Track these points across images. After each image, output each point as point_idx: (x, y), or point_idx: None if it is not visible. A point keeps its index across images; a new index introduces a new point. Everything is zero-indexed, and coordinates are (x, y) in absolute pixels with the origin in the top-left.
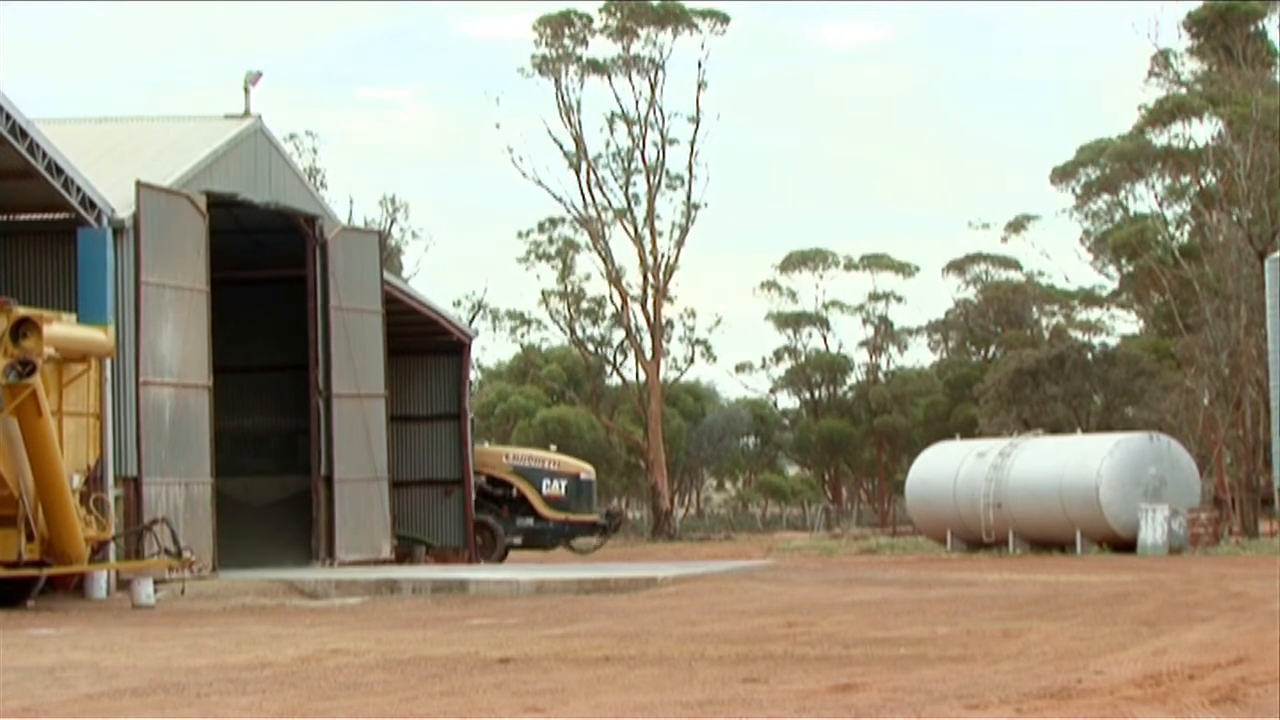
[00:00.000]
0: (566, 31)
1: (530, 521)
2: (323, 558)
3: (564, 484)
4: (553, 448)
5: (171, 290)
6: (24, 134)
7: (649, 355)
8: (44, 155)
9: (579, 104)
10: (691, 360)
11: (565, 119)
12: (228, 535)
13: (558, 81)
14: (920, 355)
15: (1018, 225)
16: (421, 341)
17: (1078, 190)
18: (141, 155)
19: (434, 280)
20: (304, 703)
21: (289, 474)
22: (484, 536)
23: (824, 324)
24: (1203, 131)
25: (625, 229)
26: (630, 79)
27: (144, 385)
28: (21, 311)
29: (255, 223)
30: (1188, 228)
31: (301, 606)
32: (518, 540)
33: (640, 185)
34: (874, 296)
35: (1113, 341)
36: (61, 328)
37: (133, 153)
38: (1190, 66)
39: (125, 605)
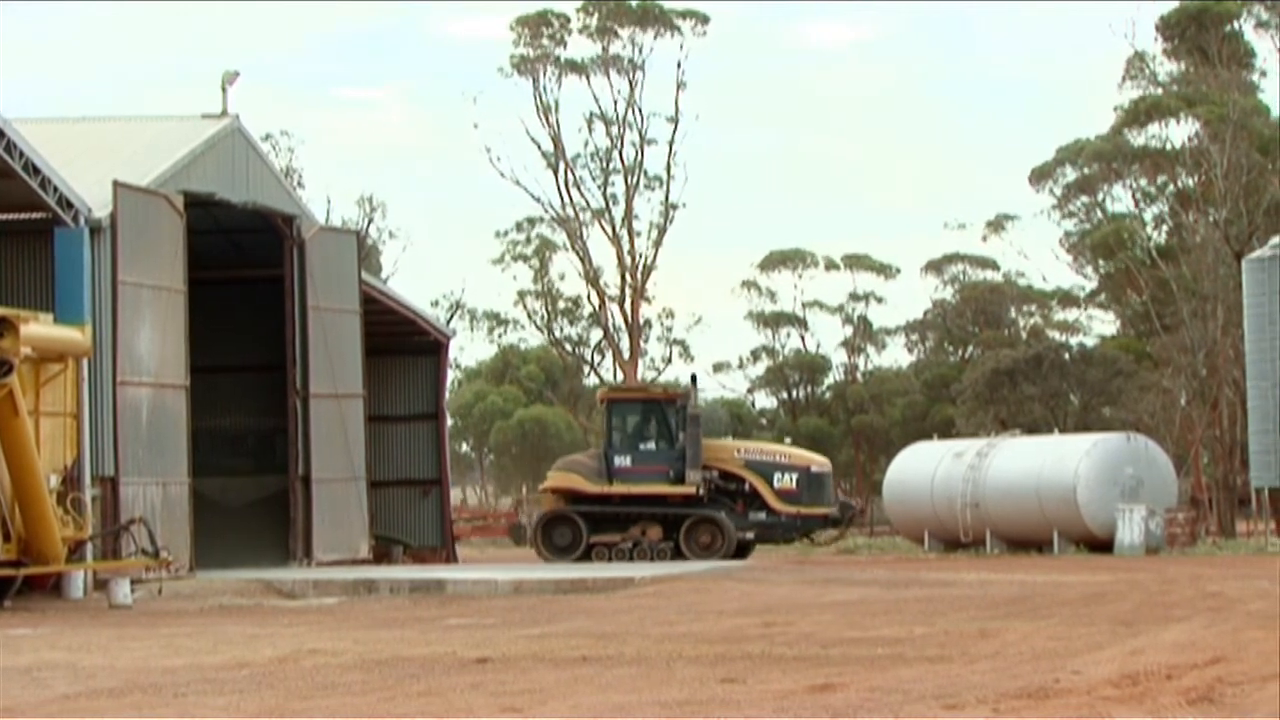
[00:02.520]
0: (544, 31)
1: (763, 516)
2: (300, 558)
3: (795, 477)
4: (787, 440)
5: (149, 290)
6: (0, 134)
7: (627, 355)
8: (21, 155)
9: (557, 104)
10: (669, 360)
11: (543, 119)
12: (205, 535)
13: (536, 81)
14: (898, 355)
15: (996, 225)
16: (399, 341)
17: (1056, 191)
18: (119, 155)
19: (412, 280)
20: (281, 703)
21: (266, 474)
22: (711, 533)
23: (803, 324)
24: (1179, 132)
25: (603, 229)
26: (609, 79)
27: (121, 385)
28: None
29: (233, 222)
30: (1165, 228)
31: (279, 606)
32: (750, 535)
33: (618, 185)
34: (854, 297)
35: (1090, 342)
36: (38, 327)
37: (110, 152)
38: (1167, 68)
39: (102, 605)
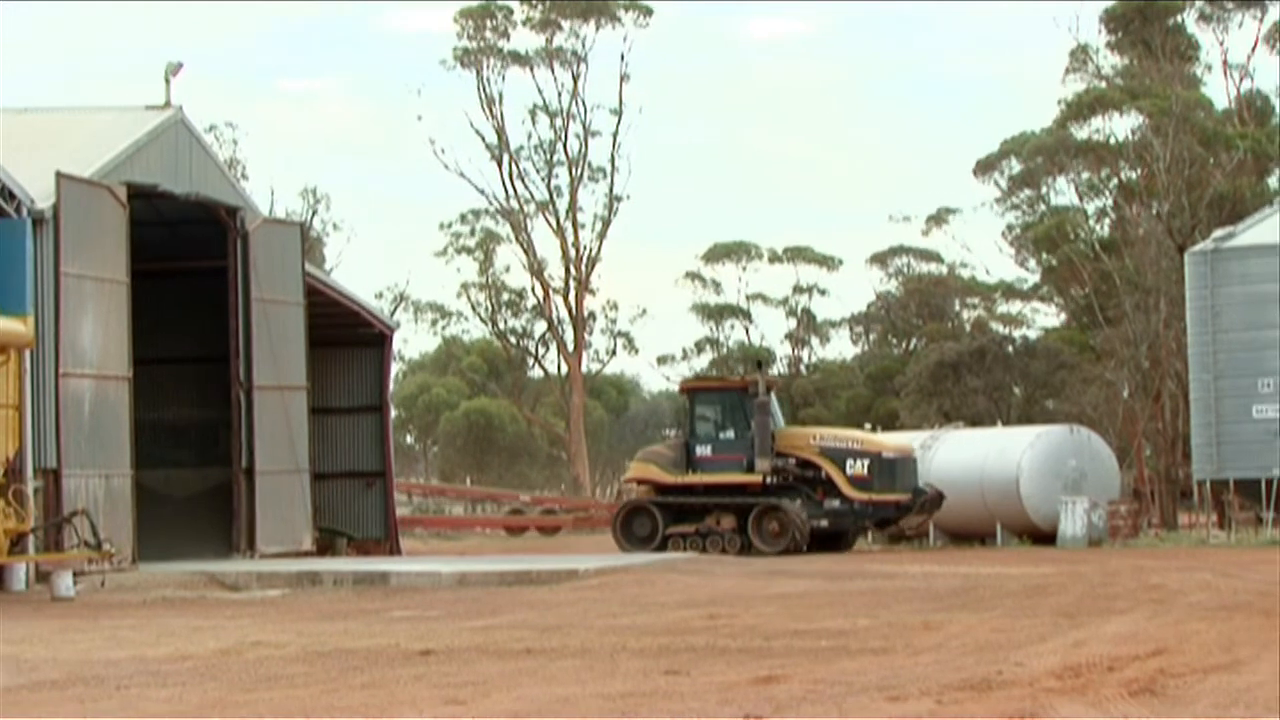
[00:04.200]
0: (488, 24)
1: (836, 503)
2: (243, 550)
3: (867, 463)
4: (867, 426)
5: (92, 282)
6: None
7: (571, 347)
8: None
9: (501, 96)
10: (613, 352)
11: (487, 111)
12: (148, 527)
13: (479, 74)
14: (842, 348)
15: (940, 218)
16: (343, 333)
17: (1000, 183)
18: (61, 146)
19: (355, 272)
20: (224, 695)
21: (209, 466)
22: (779, 521)
23: (747, 316)
24: (1123, 125)
25: (547, 221)
26: (552, 71)
27: (63, 377)
28: None
29: (176, 214)
30: (1108, 221)
31: (222, 599)
32: (824, 523)
33: (562, 177)
34: (797, 289)
35: (1033, 334)
36: None
37: (53, 143)
38: (1110, 61)
39: (44, 598)
